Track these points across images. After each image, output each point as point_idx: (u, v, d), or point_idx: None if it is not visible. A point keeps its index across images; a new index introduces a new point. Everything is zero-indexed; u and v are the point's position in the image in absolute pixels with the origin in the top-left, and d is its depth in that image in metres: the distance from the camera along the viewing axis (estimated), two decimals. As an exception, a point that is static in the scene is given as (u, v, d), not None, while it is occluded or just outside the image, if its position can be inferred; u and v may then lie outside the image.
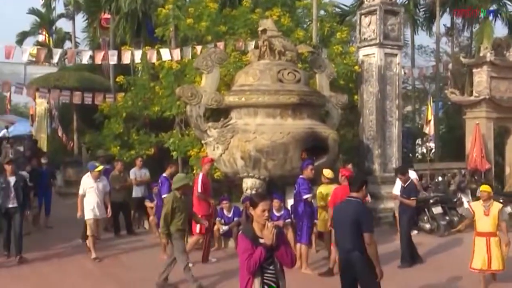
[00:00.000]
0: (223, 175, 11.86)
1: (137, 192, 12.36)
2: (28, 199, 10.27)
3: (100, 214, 10.06)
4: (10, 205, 9.49)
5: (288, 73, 11.15)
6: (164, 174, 10.35)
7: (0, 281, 8.47)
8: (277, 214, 9.83)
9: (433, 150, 19.53)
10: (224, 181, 12.40)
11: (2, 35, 67.70)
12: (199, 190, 9.39)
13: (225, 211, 10.69)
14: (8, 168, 9.67)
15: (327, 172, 9.43)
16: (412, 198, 9.67)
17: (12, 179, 9.60)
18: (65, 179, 18.51)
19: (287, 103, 10.90)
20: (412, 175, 10.92)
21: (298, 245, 9.08)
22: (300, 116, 11.12)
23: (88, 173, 11.71)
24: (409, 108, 27.08)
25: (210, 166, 10.07)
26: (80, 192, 10.01)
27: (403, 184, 9.87)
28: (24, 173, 11.43)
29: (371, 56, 13.88)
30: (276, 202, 9.71)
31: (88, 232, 9.89)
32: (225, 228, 10.56)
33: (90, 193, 9.94)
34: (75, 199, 11.92)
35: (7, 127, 32.07)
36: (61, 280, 8.59)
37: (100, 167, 10.35)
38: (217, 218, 10.57)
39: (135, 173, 12.39)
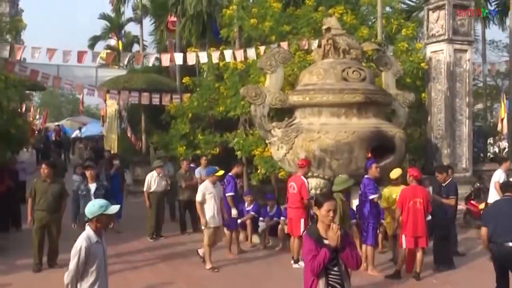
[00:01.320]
0: (287, 175, 11.84)
1: (201, 191, 12.55)
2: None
3: (219, 221, 9.37)
4: None
5: (353, 72, 10.98)
6: (230, 174, 10.50)
7: None
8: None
9: (506, 149, 18.65)
10: (287, 180, 12.38)
11: (75, 40, 70.68)
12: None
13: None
14: (88, 174, 9.31)
15: (393, 173, 9.24)
16: (451, 198, 9.34)
17: (92, 187, 9.26)
18: (134, 178, 19.09)
19: (352, 102, 10.74)
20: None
21: (363, 246, 8.94)
22: (365, 115, 10.93)
23: (154, 172, 12.07)
24: (480, 105, 26.00)
25: (305, 169, 9.67)
26: (199, 198, 9.14)
27: (442, 183, 9.56)
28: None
29: (439, 53, 13.45)
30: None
31: (206, 242, 9.16)
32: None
33: (210, 199, 9.15)
34: (142, 197, 12.35)
35: (80, 128, 33.69)
36: (136, 278, 8.88)
37: (221, 171, 9.57)
38: (282, 217, 10.68)
39: (200, 172, 12.60)
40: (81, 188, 9.26)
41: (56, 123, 34.77)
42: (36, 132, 26.75)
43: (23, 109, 21.48)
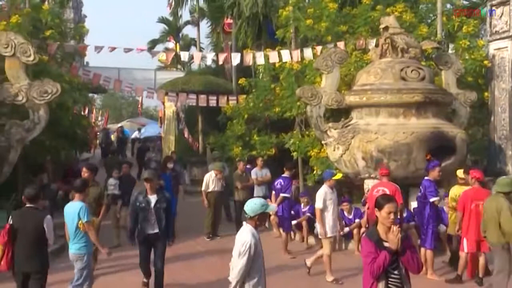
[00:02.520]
0: (343, 176, 11.73)
1: (258, 192, 12.59)
2: (172, 226, 8.65)
3: (336, 229, 8.96)
4: (150, 231, 7.70)
5: (412, 71, 10.76)
6: (284, 174, 10.53)
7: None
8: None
9: None
10: (344, 182, 12.27)
11: (135, 43, 72.65)
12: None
13: (345, 213, 10.64)
14: (148, 187, 7.75)
15: (460, 172, 8.98)
16: None
17: (153, 198, 7.72)
18: (191, 178, 19.42)
19: (411, 102, 10.52)
20: None
21: (422, 249, 8.74)
22: (424, 115, 10.68)
23: (212, 172, 12.22)
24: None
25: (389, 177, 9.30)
26: (320, 205, 8.52)
27: None
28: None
29: (503, 50, 12.92)
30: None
31: (327, 251, 8.63)
32: (346, 229, 10.49)
33: (330, 206, 8.59)
34: (199, 197, 12.55)
35: (139, 129, 34.59)
36: (192, 277, 9.04)
37: (339, 175, 9.13)
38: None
39: (256, 173, 12.66)
40: (139, 199, 7.73)
41: (118, 125, 35.97)
42: (98, 133, 27.66)
43: (86, 111, 22.25)
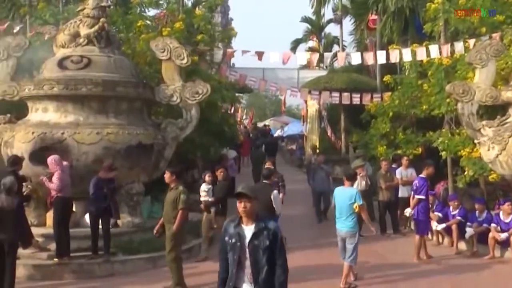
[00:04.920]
0: (499, 178, 10.90)
1: (403, 192, 12.17)
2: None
3: None
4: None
5: None
6: (421, 175, 10.01)
7: None
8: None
9: None
10: (499, 184, 11.43)
11: (278, 43, 74.44)
12: None
13: (502, 216, 9.85)
14: (241, 206, 4.63)
15: None
16: None
17: (248, 231, 4.52)
18: (333, 176, 19.35)
19: None
20: None
21: None
22: None
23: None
24: None
25: None
26: None
27: None
28: None
29: None
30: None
31: None
32: (502, 236, 9.69)
33: None
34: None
35: (282, 127, 35.38)
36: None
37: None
38: (493, 224, 9.85)
39: (401, 173, 12.26)
40: (229, 232, 4.63)
41: (264, 123, 37.31)
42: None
43: (232, 110, 23.24)
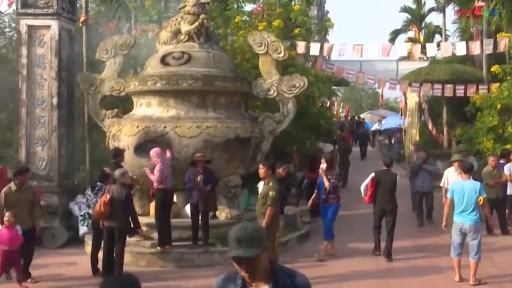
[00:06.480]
0: None
1: (511, 189, 11.44)
2: None
3: None
4: None
5: None
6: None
7: None
8: None
9: None
10: None
11: (376, 34, 72.75)
12: None
13: None
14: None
15: None
16: None
17: None
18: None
19: None
20: None
21: None
22: None
23: (452, 167, 11.21)
24: None
25: None
26: None
27: None
28: None
29: None
30: None
31: None
32: None
33: None
34: (439, 192, 11.76)
35: (379, 121, 34.48)
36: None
37: None
38: None
39: (510, 169, 11.51)
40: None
41: (359, 116, 36.72)
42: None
43: (328, 103, 22.99)
